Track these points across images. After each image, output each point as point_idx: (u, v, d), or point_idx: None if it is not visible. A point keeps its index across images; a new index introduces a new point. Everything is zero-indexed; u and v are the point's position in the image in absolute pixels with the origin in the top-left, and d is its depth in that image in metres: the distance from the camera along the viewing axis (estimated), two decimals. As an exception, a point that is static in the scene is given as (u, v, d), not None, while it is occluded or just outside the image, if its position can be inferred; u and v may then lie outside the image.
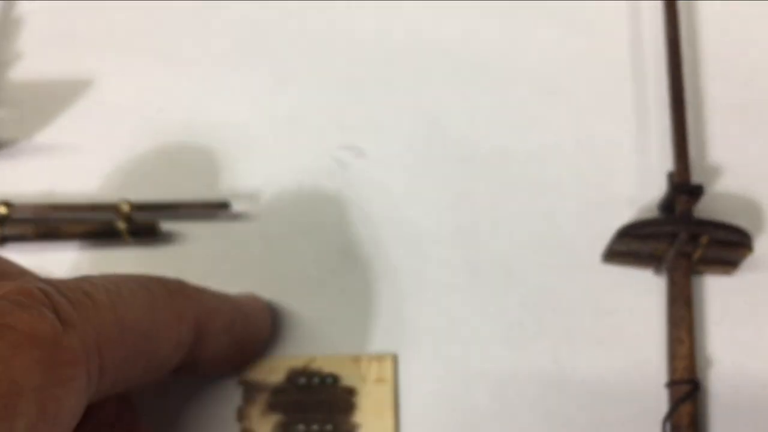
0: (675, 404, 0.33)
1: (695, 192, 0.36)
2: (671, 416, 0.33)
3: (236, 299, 0.33)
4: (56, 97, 0.40)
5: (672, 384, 0.34)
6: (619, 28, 0.41)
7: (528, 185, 0.38)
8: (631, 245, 0.36)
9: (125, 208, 0.36)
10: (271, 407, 0.35)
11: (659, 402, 0.34)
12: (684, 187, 0.36)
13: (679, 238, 0.34)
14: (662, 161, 0.38)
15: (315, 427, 0.34)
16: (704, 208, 0.37)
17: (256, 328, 0.34)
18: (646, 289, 0.36)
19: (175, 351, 0.27)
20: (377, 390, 0.35)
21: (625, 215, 0.37)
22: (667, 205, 0.36)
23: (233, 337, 0.32)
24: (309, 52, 0.41)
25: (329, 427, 0.34)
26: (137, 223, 0.37)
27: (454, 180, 0.38)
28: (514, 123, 0.39)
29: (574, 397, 0.35)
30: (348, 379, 0.35)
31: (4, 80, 0.40)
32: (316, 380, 0.35)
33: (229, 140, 0.39)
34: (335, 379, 0.35)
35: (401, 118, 0.40)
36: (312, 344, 0.36)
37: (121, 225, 0.36)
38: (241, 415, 0.34)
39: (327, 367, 0.35)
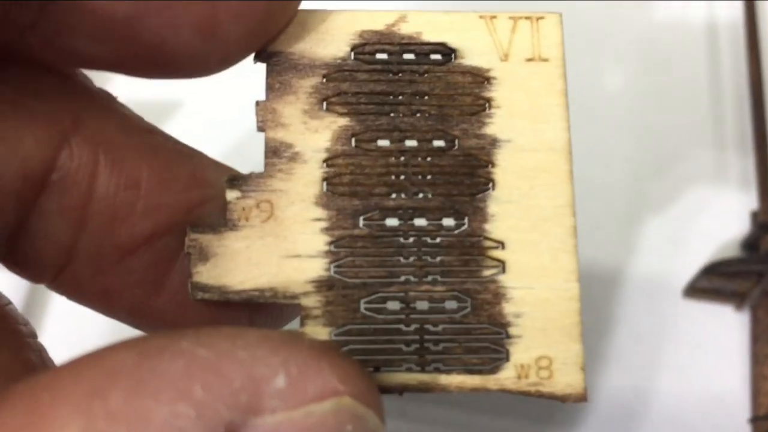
0: (760, 440, 0.33)
1: (780, 232, 0.36)
2: (756, 451, 0.33)
3: None
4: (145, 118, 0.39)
5: (756, 420, 0.34)
6: (697, 64, 0.41)
7: (611, 220, 0.38)
8: (714, 282, 0.35)
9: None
10: (326, 102, 0.18)
11: (742, 437, 0.34)
12: (769, 227, 0.35)
13: (766, 277, 0.34)
14: (743, 199, 0.38)
15: (412, 142, 0.18)
16: (787, 248, 0.36)
17: None
18: (726, 325, 0.36)
19: None
20: (532, 76, 0.18)
21: (705, 252, 0.37)
22: (751, 243, 0.36)
23: None
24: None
25: (438, 141, 0.18)
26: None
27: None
28: (595, 158, 0.39)
29: (654, 429, 0.34)
30: (473, 53, 0.18)
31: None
32: (409, 56, 0.18)
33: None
34: (449, 52, 0.18)
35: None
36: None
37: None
38: (267, 113, 0.18)
39: (431, 32, 0.18)
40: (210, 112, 0.40)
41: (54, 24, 0.16)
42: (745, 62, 0.39)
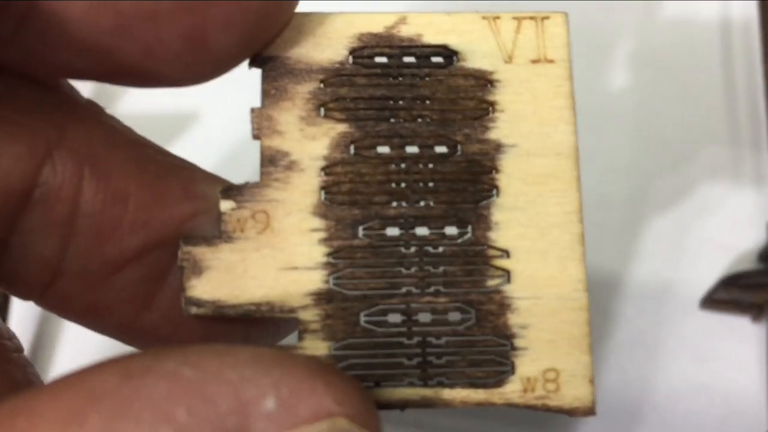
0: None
1: (798, 243, 0.35)
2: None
3: None
4: (162, 131, 0.38)
5: (775, 433, 0.33)
6: (712, 73, 0.40)
7: (624, 230, 0.37)
8: (732, 294, 0.34)
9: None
10: (324, 108, 0.17)
11: (761, 450, 0.33)
12: (786, 238, 0.35)
13: (784, 289, 0.33)
14: (759, 209, 0.37)
15: (413, 149, 0.17)
16: (805, 259, 0.36)
17: None
18: (743, 337, 0.35)
19: None
20: (537, 78, 0.17)
21: (721, 263, 0.36)
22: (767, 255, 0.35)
23: None
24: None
25: (440, 147, 0.17)
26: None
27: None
28: (609, 168, 0.38)
29: (672, 443, 0.34)
30: (476, 55, 0.17)
31: (112, 113, 0.38)
32: (410, 59, 0.17)
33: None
34: (451, 55, 0.17)
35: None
36: None
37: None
38: (263, 120, 0.17)
39: (433, 34, 0.17)
40: (227, 123, 0.39)
41: (36, 36, 0.16)
42: (760, 65, 0.38)
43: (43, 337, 0.35)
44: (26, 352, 0.34)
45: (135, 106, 0.39)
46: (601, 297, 0.36)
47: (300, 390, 0.13)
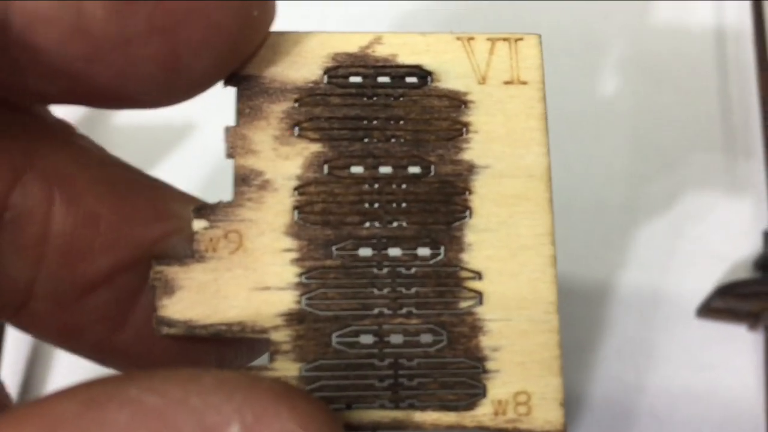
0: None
1: (794, 252, 0.34)
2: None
3: None
4: (160, 142, 0.38)
5: (770, 443, 0.32)
6: (708, 83, 0.40)
7: (622, 237, 0.37)
8: (729, 302, 0.34)
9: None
10: (298, 127, 0.17)
11: (757, 460, 0.33)
12: (782, 247, 0.34)
13: (780, 297, 0.33)
14: (755, 218, 0.36)
15: (386, 169, 0.17)
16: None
17: None
18: (739, 345, 0.35)
19: None
20: (510, 99, 0.17)
21: (717, 272, 0.36)
22: (764, 263, 0.35)
23: None
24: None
25: (413, 167, 0.17)
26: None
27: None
28: (606, 176, 0.38)
29: (668, 452, 0.33)
30: (450, 75, 0.17)
31: (109, 126, 0.39)
32: (384, 79, 0.17)
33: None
34: (425, 75, 0.17)
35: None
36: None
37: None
38: (237, 139, 0.17)
39: (407, 54, 0.17)
40: (223, 134, 0.39)
41: (6, 64, 0.15)
42: (755, 78, 0.38)
43: (39, 350, 0.35)
44: (23, 365, 0.34)
45: (131, 118, 0.39)
46: (597, 304, 0.36)
47: (264, 415, 0.13)
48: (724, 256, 0.36)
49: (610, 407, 0.34)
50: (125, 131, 0.38)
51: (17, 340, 0.34)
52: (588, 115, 0.39)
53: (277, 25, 0.17)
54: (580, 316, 0.35)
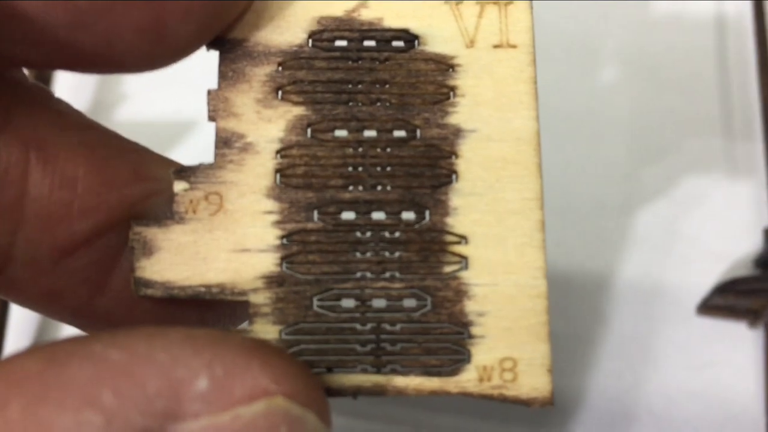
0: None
1: (794, 249, 0.34)
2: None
3: None
4: (160, 138, 0.38)
5: (770, 440, 0.32)
6: (709, 84, 0.39)
7: (621, 238, 0.36)
8: (728, 300, 0.34)
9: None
10: (281, 90, 0.16)
11: (757, 457, 0.32)
12: (782, 244, 0.34)
13: (780, 294, 0.32)
14: (755, 215, 0.36)
15: (371, 132, 0.16)
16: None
17: None
18: (739, 342, 0.34)
19: None
20: (498, 63, 0.16)
21: (717, 269, 0.35)
22: (764, 261, 0.34)
23: None
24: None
25: (399, 131, 0.16)
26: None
27: (546, 229, 0.36)
28: (606, 177, 0.37)
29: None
30: (437, 39, 0.17)
31: (111, 122, 0.38)
32: (370, 43, 0.17)
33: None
34: (412, 39, 0.17)
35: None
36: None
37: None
38: (219, 102, 0.17)
39: (393, 17, 0.17)
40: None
41: None
42: (756, 79, 0.38)
43: (42, 340, 0.35)
44: (33, 330, 0.34)
45: (132, 114, 0.39)
46: (596, 301, 0.35)
47: (234, 369, 0.13)
48: (724, 254, 0.36)
49: (609, 405, 0.34)
50: (126, 128, 0.38)
51: (21, 322, 0.34)
52: (586, 113, 0.38)
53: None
54: (579, 313, 0.35)
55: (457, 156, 0.16)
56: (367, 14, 0.17)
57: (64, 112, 0.18)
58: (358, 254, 0.16)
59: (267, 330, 0.15)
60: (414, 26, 0.17)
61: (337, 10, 0.17)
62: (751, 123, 0.38)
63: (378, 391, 0.15)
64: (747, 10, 0.40)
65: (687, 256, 0.36)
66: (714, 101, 0.38)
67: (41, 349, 0.13)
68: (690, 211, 0.36)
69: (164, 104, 0.39)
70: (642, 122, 0.38)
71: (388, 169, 0.16)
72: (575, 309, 0.35)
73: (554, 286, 0.35)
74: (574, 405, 0.33)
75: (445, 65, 0.16)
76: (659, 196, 0.37)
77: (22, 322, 0.34)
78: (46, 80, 0.37)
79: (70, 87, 0.38)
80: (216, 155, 0.16)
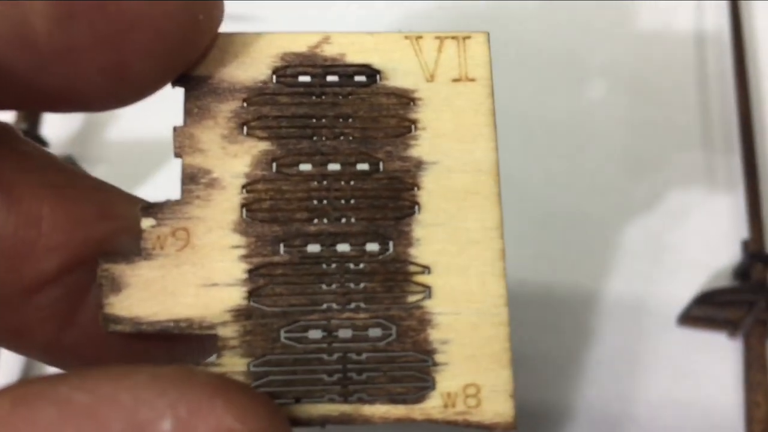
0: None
1: (771, 260, 0.34)
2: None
3: None
4: (151, 156, 0.38)
5: (750, 448, 0.32)
6: (688, 96, 0.39)
7: (603, 249, 0.36)
8: (708, 311, 0.34)
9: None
10: (246, 126, 0.16)
11: (737, 466, 0.32)
12: (760, 256, 0.34)
13: (757, 305, 0.32)
14: (734, 227, 0.36)
15: (334, 166, 0.16)
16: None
17: None
18: (720, 353, 0.34)
19: None
20: (458, 96, 0.17)
21: (698, 280, 0.35)
22: (743, 272, 0.34)
23: None
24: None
25: (362, 164, 0.16)
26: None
27: (530, 242, 0.36)
28: (588, 188, 0.37)
29: (650, 458, 0.33)
30: (398, 74, 0.17)
31: (103, 139, 0.38)
32: (333, 78, 0.17)
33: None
34: (374, 74, 0.17)
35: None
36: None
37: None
38: (185, 138, 0.16)
39: (355, 53, 0.17)
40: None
41: None
42: (733, 91, 0.38)
43: (31, 374, 0.35)
44: (21, 366, 0.34)
45: (122, 133, 0.39)
46: (580, 313, 0.35)
47: (199, 409, 0.13)
48: (705, 265, 0.36)
49: (594, 415, 0.34)
50: (116, 147, 0.38)
51: (10, 355, 0.34)
52: (570, 126, 0.38)
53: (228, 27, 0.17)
54: (564, 326, 0.35)
55: (419, 188, 0.16)
56: (329, 50, 0.17)
57: (29, 153, 0.18)
58: (323, 286, 0.16)
59: (235, 362, 0.15)
60: (375, 61, 0.17)
61: (301, 45, 0.17)
62: (730, 136, 0.38)
63: (345, 420, 0.15)
64: (725, 26, 0.40)
65: (669, 268, 0.36)
66: (695, 114, 0.39)
67: (9, 388, 0.13)
68: (672, 224, 0.36)
69: (155, 122, 0.39)
70: (624, 136, 0.38)
71: (352, 201, 0.16)
72: (560, 322, 0.35)
73: (538, 298, 0.35)
74: (561, 416, 0.33)
75: (406, 99, 0.16)
76: (642, 208, 0.37)
77: (12, 355, 0.34)
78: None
79: None
80: (183, 191, 0.16)
